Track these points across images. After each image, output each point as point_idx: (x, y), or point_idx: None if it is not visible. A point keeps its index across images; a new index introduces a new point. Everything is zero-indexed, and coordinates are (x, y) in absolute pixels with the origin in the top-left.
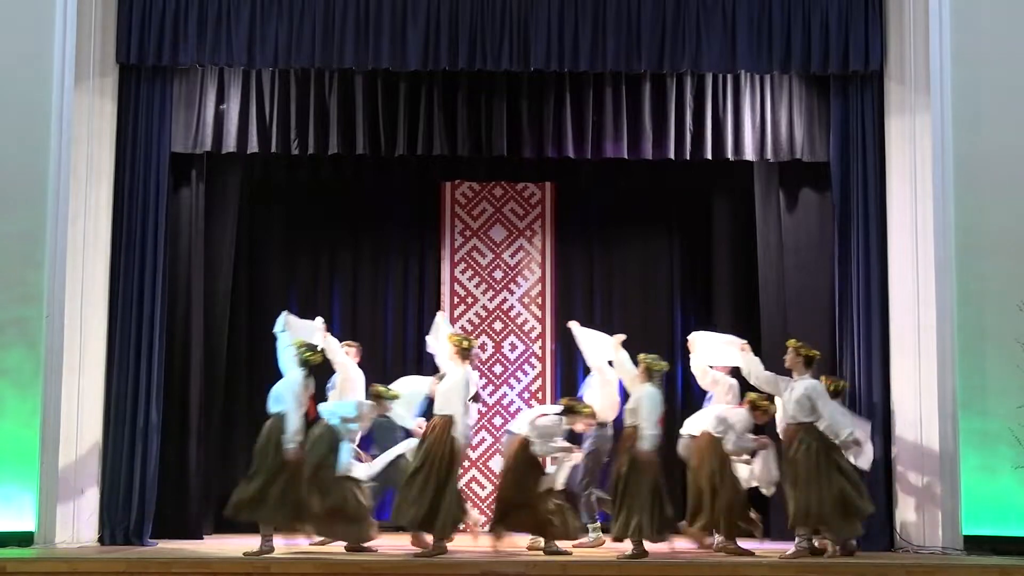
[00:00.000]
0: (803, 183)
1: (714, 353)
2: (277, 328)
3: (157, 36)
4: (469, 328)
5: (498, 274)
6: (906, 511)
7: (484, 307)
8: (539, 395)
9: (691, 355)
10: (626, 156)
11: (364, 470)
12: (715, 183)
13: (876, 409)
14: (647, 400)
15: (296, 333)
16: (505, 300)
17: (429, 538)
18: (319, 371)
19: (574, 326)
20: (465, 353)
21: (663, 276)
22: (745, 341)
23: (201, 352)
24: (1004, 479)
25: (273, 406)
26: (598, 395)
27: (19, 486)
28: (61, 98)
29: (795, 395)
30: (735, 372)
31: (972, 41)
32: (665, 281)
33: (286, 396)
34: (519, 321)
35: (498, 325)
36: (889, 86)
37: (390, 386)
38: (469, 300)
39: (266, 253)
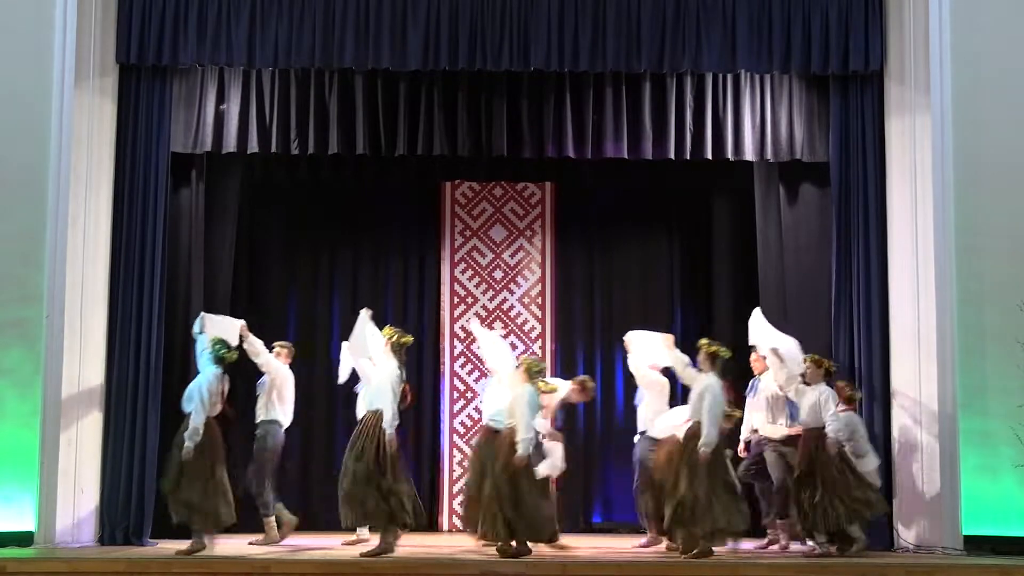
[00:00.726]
0: (803, 183)
1: (650, 352)
2: (195, 330)
3: (157, 36)
4: (469, 328)
5: (498, 274)
6: (906, 511)
7: (484, 307)
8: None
9: (628, 355)
10: (626, 156)
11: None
12: (715, 183)
13: (876, 409)
14: (524, 401)
15: (216, 333)
16: (505, 300)
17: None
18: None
19: (475, 325)
20: (398, 348)
21: (663, 276)
22: (670, 335)
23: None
24: (1004, 479)
25: (186, 405)
26: (496, 397)
27: (19, 486)
28: (61, 98)
29: (693, 393)
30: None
31: (972, 41)
32: (665, 281)
33: (195, 395)
34: (519, 321)
35: (498, 325)
36: (889, 86)
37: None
38: (469, 300)
39: (266, 253)
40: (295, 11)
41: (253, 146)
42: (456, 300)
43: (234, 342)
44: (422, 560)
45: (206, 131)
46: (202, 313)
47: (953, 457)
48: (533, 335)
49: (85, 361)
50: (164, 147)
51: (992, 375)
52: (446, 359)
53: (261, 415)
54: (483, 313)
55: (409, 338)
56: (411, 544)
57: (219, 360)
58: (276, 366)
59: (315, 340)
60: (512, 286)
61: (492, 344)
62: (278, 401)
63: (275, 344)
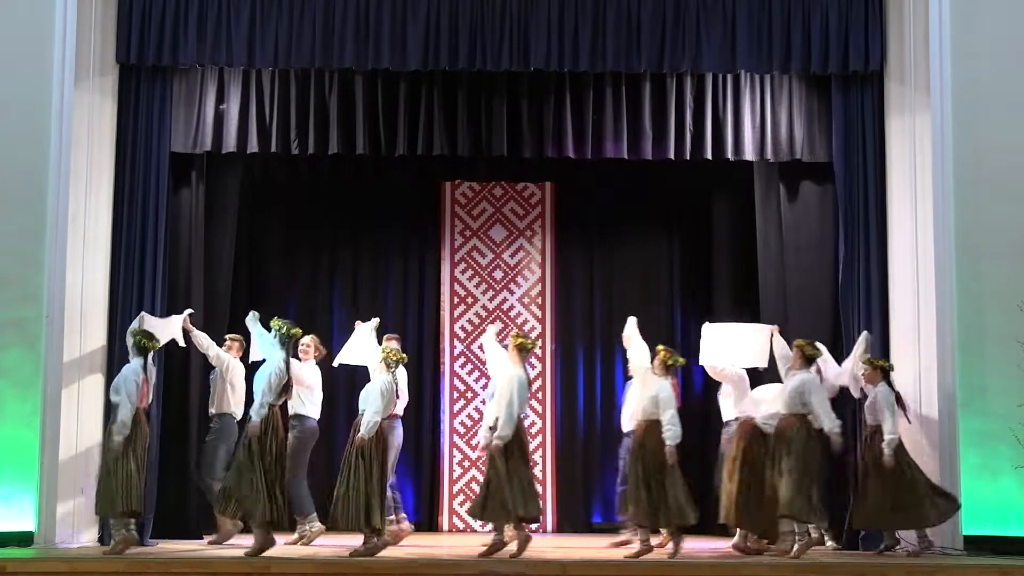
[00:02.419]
0: (803, 183)
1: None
2: (133, 328)
3: (157, 36)
4: (469, 328)
5: (498, 274)
6: None
7: (484, 307)
8: (539, 395)
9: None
10: (626, 156)
11: None
12: (715, 183)
13: None
14: (379, 389)
15: (157, 332)
16: (505, 300)
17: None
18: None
19: (359, 325)
20: (286, 339)
21: (663, 276)
22: (494, 327)
23: (201, 352)
24: (1004, 479)
25: (113, 397)
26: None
27: (19, 486)
28: (61, 98)
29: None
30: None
31: (972, 41)
32: (665, 281)
33: (120, 386)
34: (519, 321)
35: (498, 325)
36: (889, 86)
37: None
38: (469, 300)
39: (266, 253)
40: (295, 11)
41: (253, 146)
42: (456, 300)
43: (179, 338)
44: (422, 560)
45: (206, 131)
46: (142, 313)
47: (953, 457)
48: (533, 335)
49: (85, 361)
50: (164, 147)
51: (992, 375)
52: (446, 359)
53: (214, 409)
54: (483, 313)
55: (298, 330)
56: (411, 544)
57: (141, 351)
58: (226, 359)
59: None
60: (512, 286)
61: (359, 338)
62: (231, 394)
63: (226, 337)
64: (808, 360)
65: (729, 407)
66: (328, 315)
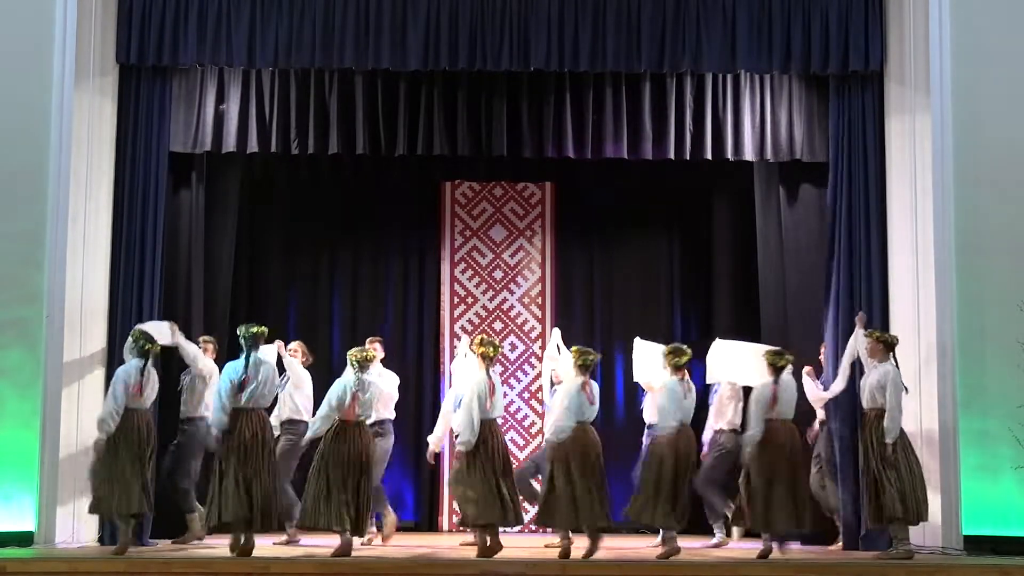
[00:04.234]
0: (803, 183)
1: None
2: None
3: (157, 36)
4: (469, 328)
5: (498, 274)
6: None
7: (484, 307)
8: (539, 395)
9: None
10: (626, 156)
11: None
12: (715, 183)
13: None
14: (335, 390)
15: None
16: (505, 300)
17: None
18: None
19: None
20: (248, 338)
21: (663, 276)
22: (467, 339)
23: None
24: (1004, 479)
25: None
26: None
27: (19, 486)
28: (61, 98)
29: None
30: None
31: (972, 41)
32: (665, 281)
33: (112, 384)
34: (519, 321)
35: (498, 325)
36: (889, 86)
37: None
38: (469, 300)
39: (266, 252)
40: (295, 11)
41: (253, 146)
42: (456, 300)
43: (166, 343)
44: (422, 560)
45: (206, 131)
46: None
47: (953, 457)
48: (533, 335)
49: (85, 361)
50: (164, 147)
51: (992, 375)
52: (446, 359)
53: (188, 411)
54: (483, 313)
55: (263, 329)
56: (411, 544)
57: (142, 353)
58: (212, 369)
59: (315, 340)
60: (512, 286)
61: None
62: (207, 397)
63: (200, 339)
64: (675, 368)
65: (652, 413)
66: (328, 315)
